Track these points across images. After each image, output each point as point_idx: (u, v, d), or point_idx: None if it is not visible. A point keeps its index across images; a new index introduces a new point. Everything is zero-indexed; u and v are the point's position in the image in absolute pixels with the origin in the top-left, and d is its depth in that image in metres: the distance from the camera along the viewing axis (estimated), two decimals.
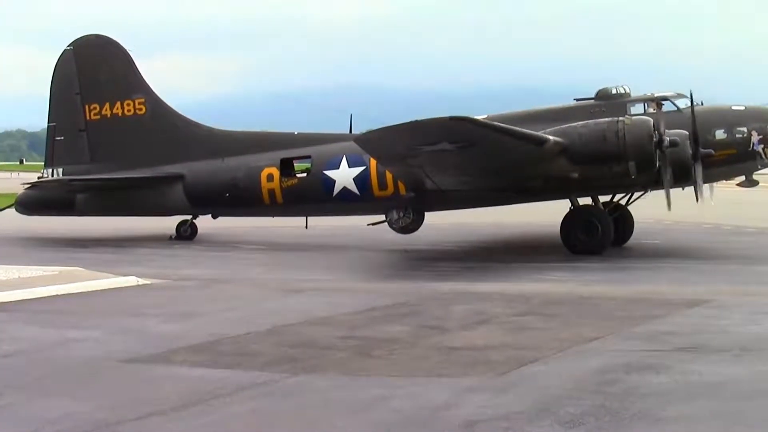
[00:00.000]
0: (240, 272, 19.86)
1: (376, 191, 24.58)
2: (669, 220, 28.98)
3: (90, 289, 16.46)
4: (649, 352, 10.86)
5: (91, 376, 10.04)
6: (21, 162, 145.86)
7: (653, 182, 21.88)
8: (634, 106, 23.30)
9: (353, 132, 26.10)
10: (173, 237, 27.49)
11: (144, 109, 27.68)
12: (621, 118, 21.35)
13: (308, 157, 25.82)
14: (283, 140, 26.72)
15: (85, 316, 13.85)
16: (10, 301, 14.93)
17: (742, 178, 23.81)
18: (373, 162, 23.95)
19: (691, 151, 21.69)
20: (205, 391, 9.13)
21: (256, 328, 12.62)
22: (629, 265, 20.62)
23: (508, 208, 26.78)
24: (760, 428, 8.04)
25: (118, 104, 27.67)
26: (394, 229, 23.86)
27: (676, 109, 23.09)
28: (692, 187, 22.51)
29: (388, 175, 24.08)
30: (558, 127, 21.76)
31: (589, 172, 21.47)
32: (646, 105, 23.28)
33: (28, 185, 28.35)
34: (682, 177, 21.83)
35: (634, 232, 25.38)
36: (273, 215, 27.12)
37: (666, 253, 22.83)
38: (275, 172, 25.70)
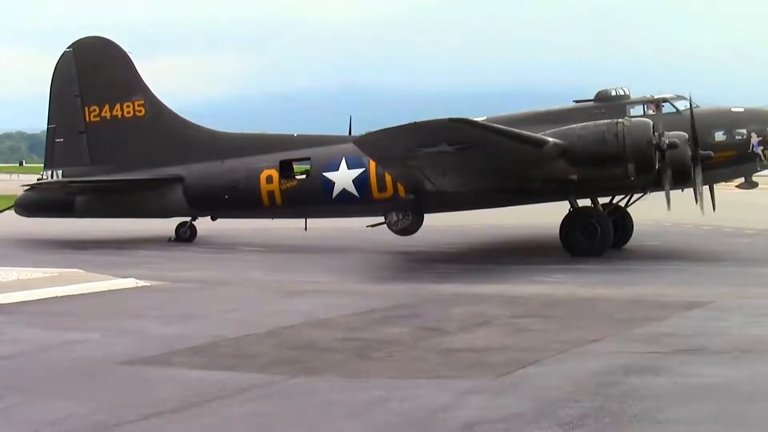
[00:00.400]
0: (239, 274, 19.86)
1: (375, 193, 24.59)
2: (668, 222, 29.03)
3: (89, 291, 16.45)
4: (648, 354, 10.86)
5: (90, 377, 10.03)
6: (20, 164, 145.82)
7: (653, 184, 21.88)
8: (633, 107, 23.31)
9: (352, 134, 26.13)
10: (172, 239, 27.49)
11: (143, 111, 27.69)
12: (620, 120, 21.35)
13: (307, 158, 25.81)
14: (282, 142, 26.73)
15: (84, 318, 13.84)
16: (10, 303, 14.92)
17: (742, 179, 23.83)
18: (372, 164, 23.96)
19: (690, 153, 21.70)
20: (205, 393, 9.13)
21: (256, 329, 12.62)
22: (629, 266, 20.62)
23: (508, 210, 26.77)
24: (760, 430, 8.05)
25: (118, 106, 27.68)
26: (393, 230, 23.85)
27: (675, 110, 23.09)
28: (692, 189, 22.52)
29: (388, 177, 24.08)
30: (557, 128, 21.76)
31: (588, 173, 21.47)
32: (645, 107, 23.28)
33: (28, 187, 28.33)
34: (682, 179, 21.84)
35: (633, 234, 25.38)
36: (272, 217, 27.14)
37: (665, 255, 22.83)
38: (274, 173, 25.71)
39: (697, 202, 22.63)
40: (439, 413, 8.43)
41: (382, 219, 24.10)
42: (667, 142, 21.20)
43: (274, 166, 25.77)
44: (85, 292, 16.37)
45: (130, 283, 17.43)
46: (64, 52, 28.20)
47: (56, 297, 15.70)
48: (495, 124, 21.59)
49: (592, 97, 23.91)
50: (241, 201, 26.04)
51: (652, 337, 11.92)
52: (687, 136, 21.66)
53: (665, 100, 23.26)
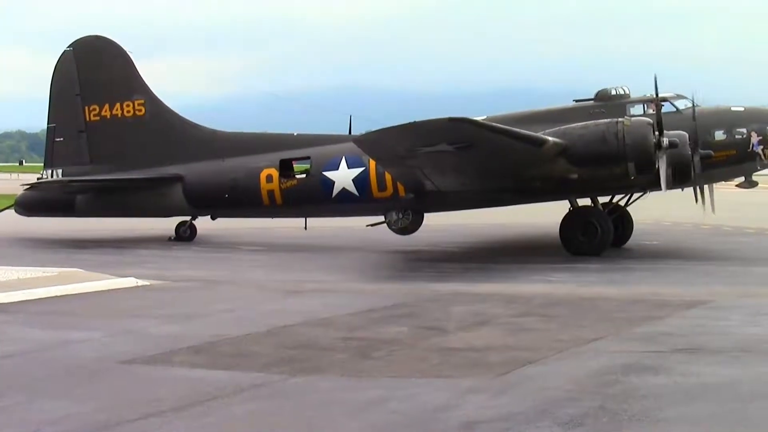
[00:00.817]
0: (239, 273, 19.86)
1: (375, 192, 24.59)
2: (668, 221, 29.04)
3: (89, 291, 16.45)
4: (648, 353, 10.87)
5: (90, 377, 10.04)
6: (20, 163, 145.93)
7: (653, 183, 21.87)
8: (633, 107, 23.31)
9: (352, 133, 26.14)
10: (172, 238, 27.50)
11: (143, 111, 27.69)
12: (620, 119, 21.35)
13: (307, 158, 25.82)
14: (282, 141, 26.74)
15: (84, 318, 13.85)
16: (10, 302, 14.92)
17: (742, 179, 23.83)
18: (372, 163, 23.97)
19: (690, 152, 21.70)
20: (205, 392, 9.13)
21: (256, 329, 12.63)
22: (628, 266, 20.63)
23: (508, 209, 26.77)
24: (760, 429, 8.05)
25: (118, 105, 27.69)
26: (393, 230, 23.87)
27: (675, 110, 23.09)
28: (692, 188, 22.53)
29: (388, 177, 24.08)
30: (557, 128, 21.76)
31: (588, 173, 21.48)
32: (645, 106, 23.27)
33: (28, 186, 28.34)
34: (682, 178, 21.84)
35: (633, 233, 25.40)
36: (272, 216, 27.14)
37: (665, 254, 22.84)
38: (274, 173, 25.71)
39: (697, 201, 22.66)
40: (438, 412, 8.44)
41: (382, 218, 24.13)
42: (667, 141, 21.20)
43: (274, 165, 25.78)
44: (85, 291, 16.37)
45: (130, 282, 17.44)
46: (65, 52, 28.21)
47: (56, 296, 15.71)
48: (495, 124, 21.58)
49: (592, 97, 23.90)
50: (241, 200, 26.05)
51: (652, 336, 11.93)
52: (687, 135, 21.67)
53: (665, 100, 23.22)
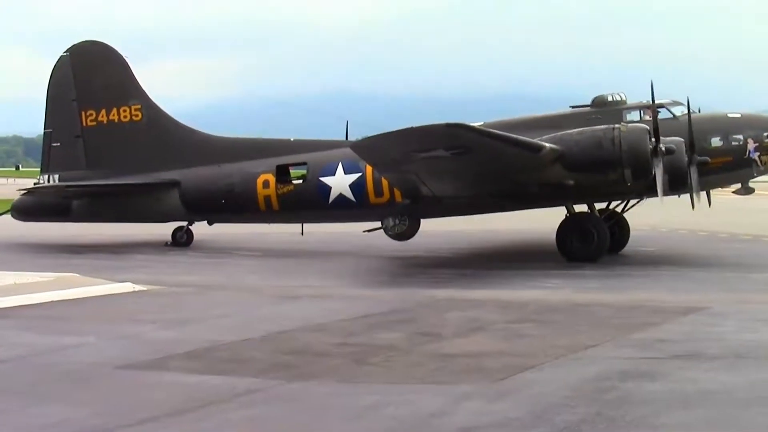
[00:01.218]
0: (236, 279, 19.85)
1: (371, 198, 24.60)
2: (665, 228, 29.05)
3: (86, 296, 16.44)
4: (644, 359, 10.87)
5: (86, 382, 10.03)
6: (17, 168, 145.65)
7: (649, 189, 21.88)
8: (630, 113, 23.33)
9: (349, 138, 26.15)
10: (169, 243, 27.48)
11: (140, 116, 27.69)
12: (617, 126, 21.38)
13: (304, 163, 25.81)
14: (279, 146, 26.74)
15: (81, 323, 13.84)
16: (7, 307, 14.91)
17: (738, 185, 23.85)
18: (369, 169, 23.98)
19: (687, 159, 21.72)
20: (201, 398, 9.12)
21: (252, 334, 12.62)
22: (625, 272, 20.62)
23: (504, 215, 26.77)
24: None
25: (115, 110, 27.68)
26: (389, 235, 23.82)
27: (672, 116, 23.11)
28: (688, 195, 22.55)
29: (384, 182, 24.08)
30: (554, 134, 21.78)
31: (585, 179, 21.49)
32: (642, 112, 23.29)
33: (24, 191, 28.32)
34: (678, 184, 21.86)
35: (629, 240, 25.40)
36: (269, 222, 27.11)
37: (662, 261, 22.84)
38: (271, 178, 25.71)
39: (693, 207, 22.67)
40: (434, 418, 8.44)
41: (378, 224, 24.10)
42: (663, 147, 21.23)
43: (271, 170, 25.77)
44: (82, 296, 16.36)
45: (126, 287, 17.42)
46: (61, 57, 28.19)
47: (53, 301, 15.69)
48: (491, 129, 21.60)
49: (589, 103, 23.93)
50: (237, 205, 26.04)
51: (648, 342, 11.93)
52: (683, 141, 21.70)
53: (662, 106, 23.24)
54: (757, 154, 22.63)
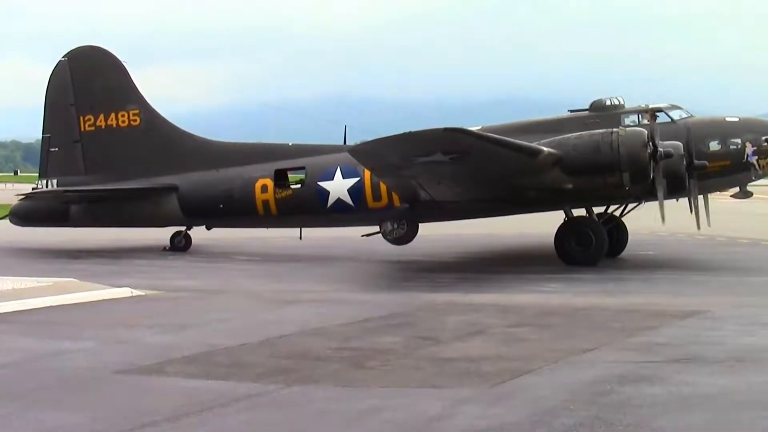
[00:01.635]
0: (234, 283, 19.84)
1: (370, 202, 24.61)
2: (663, 232, 29.03)
3: (84, 301, 16.42)
4: (643, 363, 10.86)
5: (85, 387, 10.02)
6: (15, 173, 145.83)
7: (647, 193, 21.91)
8: (628, 117, 23.36)
9: (347, 143, 26.17)
10: (167, 248, 27.47)
11: (138, 120, 27.70)
12: (615, 130, 21.40)
13: (302, 168, 25.83)
14: (277, 151, 26.75)
15: (79, 328, 13.82)
16: (5, 312, 14.88)
17: (736, 189, 23.87)
18: (367, 173, 23.98)
19: (685, 163, 21.74)
20: (200, 402, 9.12)
21: (250, 339, 12.61)
22: (623, 276, 20.63)
23: (502, 219, 26.80)
24: None
25: (113, 115, 27.70)
26: (388, 240, 23.87)
27: (670, 120, 23.13)
28: (686, 199, 22.57)
29: (383, 187, 24.09)
30: (552, 138, 21.80)
31: (583, 183, 21.51)
32: (640, 116, 23.32)
33: (23, 196, 28.30)
34: (677, 188, 21.88)
35: (628, 244, 25.41)
36: (267, 226, 27.14)
37: (660, 265, 22.85)
38: (269, 183, 25.72)
39: (692, 211, 22.69)
40: (433, 422, 8.43)
41: (377, 228, 24.13)
42: (661, 151, 21.25)
43: (269, 175, 25.79)
44: (80, 301, 16.34)
45: (124, 292, 17.41)
46: (59, 62, 28.21)
47: (51, 306, 15.68)
48: (490, 134, 21.61)
49: (587, 107, 23.96)
50: (236, 210, 26.05)
51: (647, 346, 11.93)
52: (682, 145, 21.72)
53: (660, 110, 23.27)
54: (756, 157, 22.66)
